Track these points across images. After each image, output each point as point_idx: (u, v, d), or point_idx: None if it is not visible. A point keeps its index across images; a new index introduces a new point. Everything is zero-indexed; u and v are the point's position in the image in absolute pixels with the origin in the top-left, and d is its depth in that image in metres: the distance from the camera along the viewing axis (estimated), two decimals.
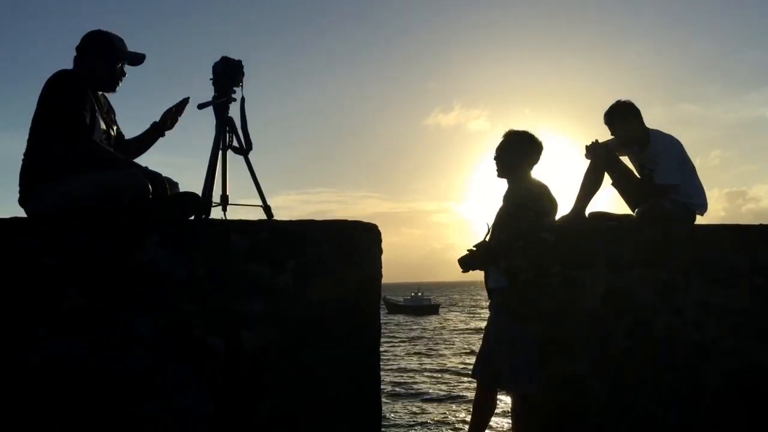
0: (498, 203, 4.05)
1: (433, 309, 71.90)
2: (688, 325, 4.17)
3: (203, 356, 3.23)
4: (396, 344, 35.13)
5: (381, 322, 3.67)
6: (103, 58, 3.58)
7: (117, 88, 3.71)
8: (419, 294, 76.94)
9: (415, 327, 47.02)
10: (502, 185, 4.05)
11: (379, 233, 3.61)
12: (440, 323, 52.03)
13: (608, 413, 4.06)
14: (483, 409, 4.00)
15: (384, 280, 3.70)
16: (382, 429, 3.64)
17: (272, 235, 3.43)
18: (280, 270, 3.37)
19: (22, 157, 3.48)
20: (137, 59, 3.71)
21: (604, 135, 4.73)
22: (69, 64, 3.62)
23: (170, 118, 3.95)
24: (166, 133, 3.97)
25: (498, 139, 4.04)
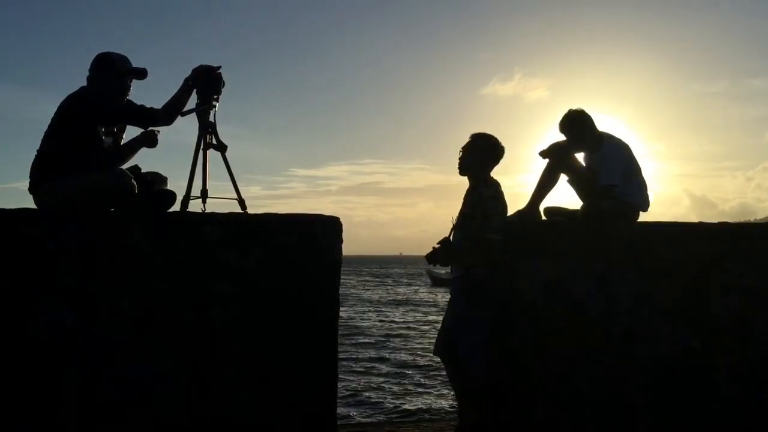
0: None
1: None
2: (621, 313, 4.61)
3: (178, 327, 3.82)
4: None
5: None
6: (108, 77, 4.15)
7: (124, 100, 4.23)
8: None
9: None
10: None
11: (340, 225, 4.14)
12: None
13: (544, 387, 4.54)
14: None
15: None
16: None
17: (239, 226, 3.99)
18: (245, 256, 3.93)
19: (36, 153, 4.07)
20: (140, 74, 4.27)
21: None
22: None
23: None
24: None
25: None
